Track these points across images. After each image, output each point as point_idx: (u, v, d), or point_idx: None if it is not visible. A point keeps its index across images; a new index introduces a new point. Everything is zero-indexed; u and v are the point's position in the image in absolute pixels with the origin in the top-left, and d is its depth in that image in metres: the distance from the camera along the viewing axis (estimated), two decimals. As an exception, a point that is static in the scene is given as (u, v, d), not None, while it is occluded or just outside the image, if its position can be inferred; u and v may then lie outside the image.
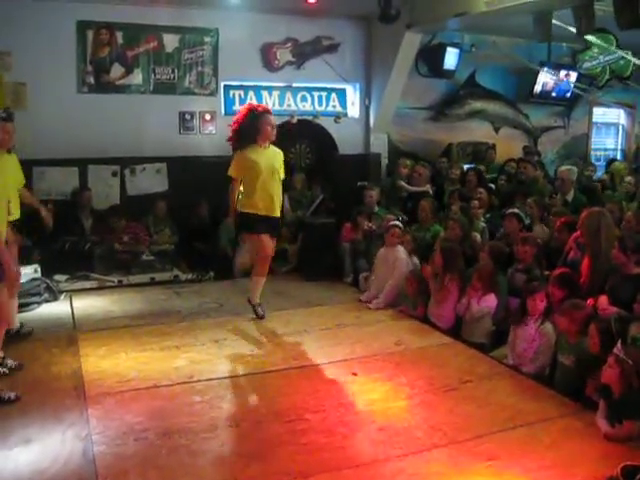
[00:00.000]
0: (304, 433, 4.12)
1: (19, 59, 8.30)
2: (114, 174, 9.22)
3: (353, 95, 10.49)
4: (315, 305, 7.13)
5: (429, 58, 10.61)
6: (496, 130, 11.74)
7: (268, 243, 6.54)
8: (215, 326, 6.38)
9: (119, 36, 8.94)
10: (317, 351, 5.62)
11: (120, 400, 4.62)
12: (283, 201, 9.33)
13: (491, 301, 5.95)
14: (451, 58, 10.56)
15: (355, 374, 5.10)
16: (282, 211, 6.79)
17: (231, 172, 6.43)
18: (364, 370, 5.18)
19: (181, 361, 5.41)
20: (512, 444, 3.96)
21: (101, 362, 5.37)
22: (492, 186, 9.16)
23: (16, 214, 5.60)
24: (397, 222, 7.39)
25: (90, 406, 4.48)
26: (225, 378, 5.06)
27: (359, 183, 9.62)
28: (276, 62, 9.80)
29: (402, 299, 6.86)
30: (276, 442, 4.00)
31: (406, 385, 4.90)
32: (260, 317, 6.57)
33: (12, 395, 4.53)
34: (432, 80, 10.91)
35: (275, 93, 9.90)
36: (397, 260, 7.04)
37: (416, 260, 7.13)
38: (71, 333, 6.12)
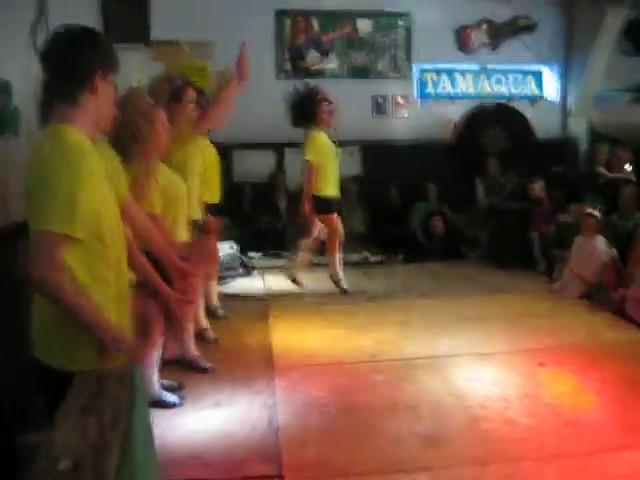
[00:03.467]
0: (485, 420, 4.03)
1: (222, 48, 8.80)
2: (308, 157, 9.51)
3: (550, 77, 10.03)
4: (504, 292, 6.92)
5: (635, 35, 9.86)
6: None
7: (339, 222, 6.89)
8: (401, 308, 6.39)
9: (315, 23, 9.29)
10: (503, 339, 5.45)
11: (305, 374, 4.77)
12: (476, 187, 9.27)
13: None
14: (660, 34, 9.76)
15: (542, 365, 4.89)
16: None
17: (310, 156, 6.49)
18: (552, 362, 4.94)
19: (366, 340, 5.48)
20: None
21: (289, 337, 5.59)
22: None
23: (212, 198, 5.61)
24: (593, 211, 6.99)
25: (277, 377, 4.68)
26: (408, 359, 5.06)
27: (554, 168, 9.21)
28: (470, 44, 9.63)
29: (598, 290, 6.48)
30: (455, 426, 3.95)
31: (597, 380, 4.61)
32: (346, 291, 6.89)
33: (207, 365, 4.83)
34: (638, 59, 10.14)
35: (469, 76, 9.73)
36: (595, 250, 6.66)
37: (615, 251, 6.70)
38: (263, 308, 6.41)
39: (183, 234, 4.29)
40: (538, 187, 8.36)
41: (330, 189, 6.64)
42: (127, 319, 2.55)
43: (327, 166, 6.57)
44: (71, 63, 2.31)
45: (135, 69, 7.81)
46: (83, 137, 2.31)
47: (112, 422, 1.51)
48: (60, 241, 2.17)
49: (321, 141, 6.57)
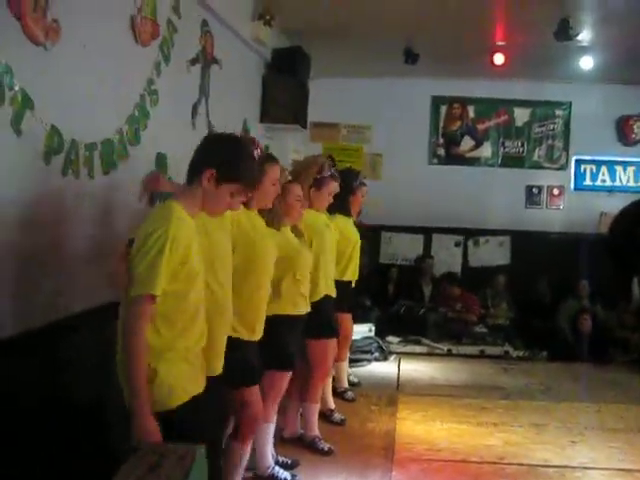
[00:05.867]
0: None
1: (377, 132, 9.11)
2: (457, 244, 9.46)
3: None
4: (656, 403, 6.38)
5: None
6: None
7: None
8: (538, 409, 6.02)
9: (471, 110, 9.36)
10: (648, 455, 5.00)
11: (426, 469, 4.58)
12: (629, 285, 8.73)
13: None
14: None
15: (690, 490, 4.44)
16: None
17: None
18: (703, 488, 4.47)
19: (495, 440, 5.20)
20: None
21: (415, 427, 5.42)
22: None
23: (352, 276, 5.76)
24: None
25: (395, 469, 4.52)
26: (538, 466, 4.72)
27: None
28: (633, 136, 9.26)
29: None
30: None
31: None
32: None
33: (326, 447, 4.77)
34: None
35: (630, 169, 9.32)
36: None
37: None
38: (393, 394, 6.28)
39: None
40: None
41: None
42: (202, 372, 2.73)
43: None
44: (198, 155, 2.75)
45: (292, 149, 8.19)
46: (183, 214, 2.59)
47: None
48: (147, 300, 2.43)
49: None
